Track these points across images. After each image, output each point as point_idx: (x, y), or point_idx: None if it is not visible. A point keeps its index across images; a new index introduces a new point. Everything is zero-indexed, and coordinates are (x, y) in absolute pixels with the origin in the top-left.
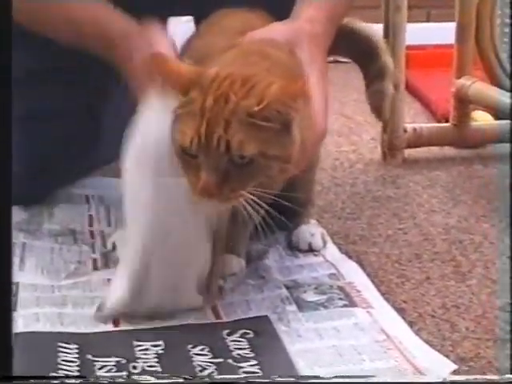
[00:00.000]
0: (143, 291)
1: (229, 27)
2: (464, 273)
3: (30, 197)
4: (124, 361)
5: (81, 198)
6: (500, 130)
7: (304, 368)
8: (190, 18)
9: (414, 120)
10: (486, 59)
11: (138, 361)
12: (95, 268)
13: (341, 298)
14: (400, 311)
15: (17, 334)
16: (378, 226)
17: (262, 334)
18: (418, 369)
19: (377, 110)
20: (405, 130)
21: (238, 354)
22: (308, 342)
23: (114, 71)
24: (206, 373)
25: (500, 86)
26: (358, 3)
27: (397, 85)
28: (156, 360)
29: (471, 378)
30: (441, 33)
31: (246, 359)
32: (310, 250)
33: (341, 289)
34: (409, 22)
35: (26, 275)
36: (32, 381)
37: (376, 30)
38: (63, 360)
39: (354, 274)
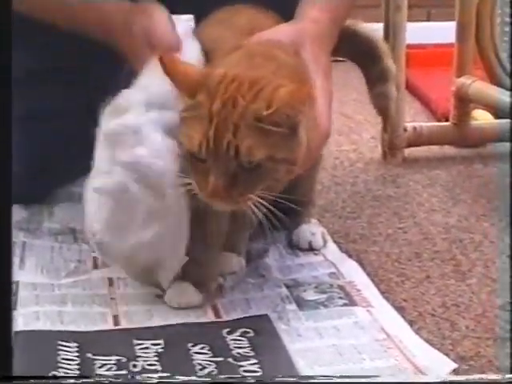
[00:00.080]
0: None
1: (238, 25)
2: (464, 272)
3: (29, 196)
4: (124, 359)
5: (81, 197)
6: (500, 129)
7: (304, 367)
8: (190, 17)
9: (414, 119)
10: (486, 58)
11: (138, 359)
12: (95, 267)
13: (341, 297)
14: (400, 310)
15: (17, 332)
16: (378, 225)
17: (262, 332)
18: (418, 368)
19: (382, 112)
20: (405, 129)
21: (238, 353)
22: (308, 340)
23: (114, 71)
24: (205, 371)
25: (500, 85)
26: (359, 2)
27: (397, 84)
28: (156, 358)
29: (471, 377)
30: (441, 32)
31: (246, 358)
32: (311, 248)
33: (341, 288)
34: (409, 21)
35: (26, 274)
36: (32, 381)
37: (376, 30)
38: (63, 358)
39: (354, 273)
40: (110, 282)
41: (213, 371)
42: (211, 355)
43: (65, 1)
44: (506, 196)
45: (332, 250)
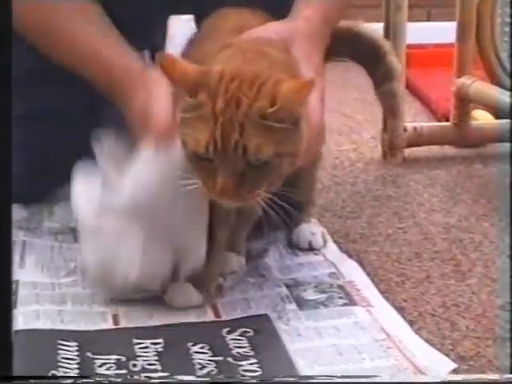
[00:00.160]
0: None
1: (226, 27)
2: (464, 272)
3: (29, 196)
4: (124, 358)
5: None
6: (500, 129)
7: (304, 367)
8: (190, 17)
9: (414, 119)
10: (487, 58)
11: (138, 359)
12: None
13: (341, 297)
14: (400, 310)
15: (17, 331)
16: (378, 225)
17: (262, 332)
18: (417, 368)
19: (390, 110)
20: (405, 129)
21: (238, 353)
22: (308, 340)
23: None
24: (205, 371)
25: (500, 85)
26: (359, 2)
27: None
28: (156, 358)
29: (471, 377)
30: (441, 32)
31: (246, 357)
32: (311, 248)
33: (341, 287)
34: (409, 21)
35: (26, 273)
36: (32, 381)
37: (377, 30)
38: (63, 357)
39: (354, 273)
40: None
41: (212, 371)
42: (211, 355)
43: (74, 50)
44: (506, 196)
45: (332, 250)
